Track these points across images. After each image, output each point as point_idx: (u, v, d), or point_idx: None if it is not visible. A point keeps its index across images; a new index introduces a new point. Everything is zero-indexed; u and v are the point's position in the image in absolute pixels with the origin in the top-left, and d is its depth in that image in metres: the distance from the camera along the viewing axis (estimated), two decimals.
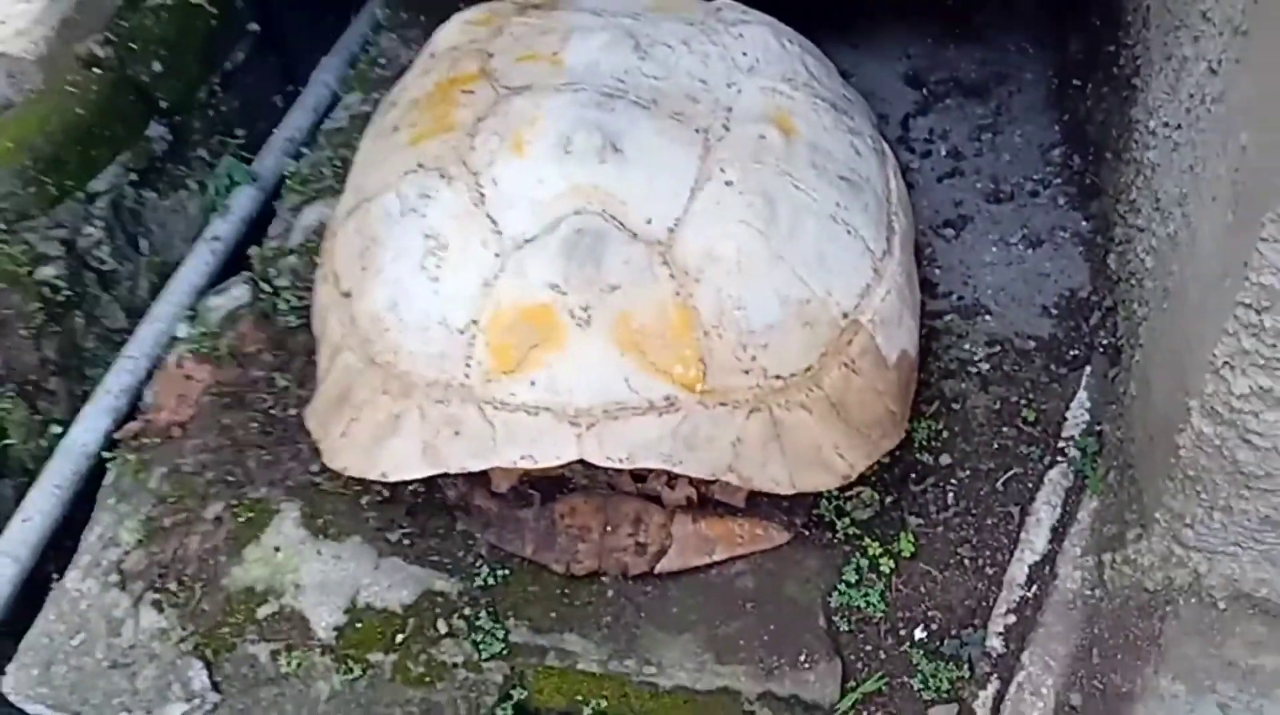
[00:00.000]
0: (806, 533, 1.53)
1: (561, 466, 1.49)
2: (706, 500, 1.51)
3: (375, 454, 1.40)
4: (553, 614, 1.47)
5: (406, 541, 1.55)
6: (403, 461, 1.38)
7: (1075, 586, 1.48)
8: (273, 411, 1.72)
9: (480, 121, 1.45)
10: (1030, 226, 1.85)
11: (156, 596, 1.53)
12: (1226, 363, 1.17)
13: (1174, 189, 1.41)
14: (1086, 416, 1.62)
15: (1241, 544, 1.36)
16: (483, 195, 1.40)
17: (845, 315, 1.41)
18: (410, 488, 1.60)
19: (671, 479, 1.50)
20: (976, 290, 1.78)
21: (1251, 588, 1.41)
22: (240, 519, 1.57)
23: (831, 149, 1.49)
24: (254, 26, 2.25)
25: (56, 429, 1.81)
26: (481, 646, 1.44)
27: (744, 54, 1.55)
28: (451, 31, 1.62)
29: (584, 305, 1.34)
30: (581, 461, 1.36)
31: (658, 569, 1.47)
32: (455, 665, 1.45)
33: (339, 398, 1.47)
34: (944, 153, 1.97)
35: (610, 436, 1.33)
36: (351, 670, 1.45)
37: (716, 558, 1.48)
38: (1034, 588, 1.49)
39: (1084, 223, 1.84)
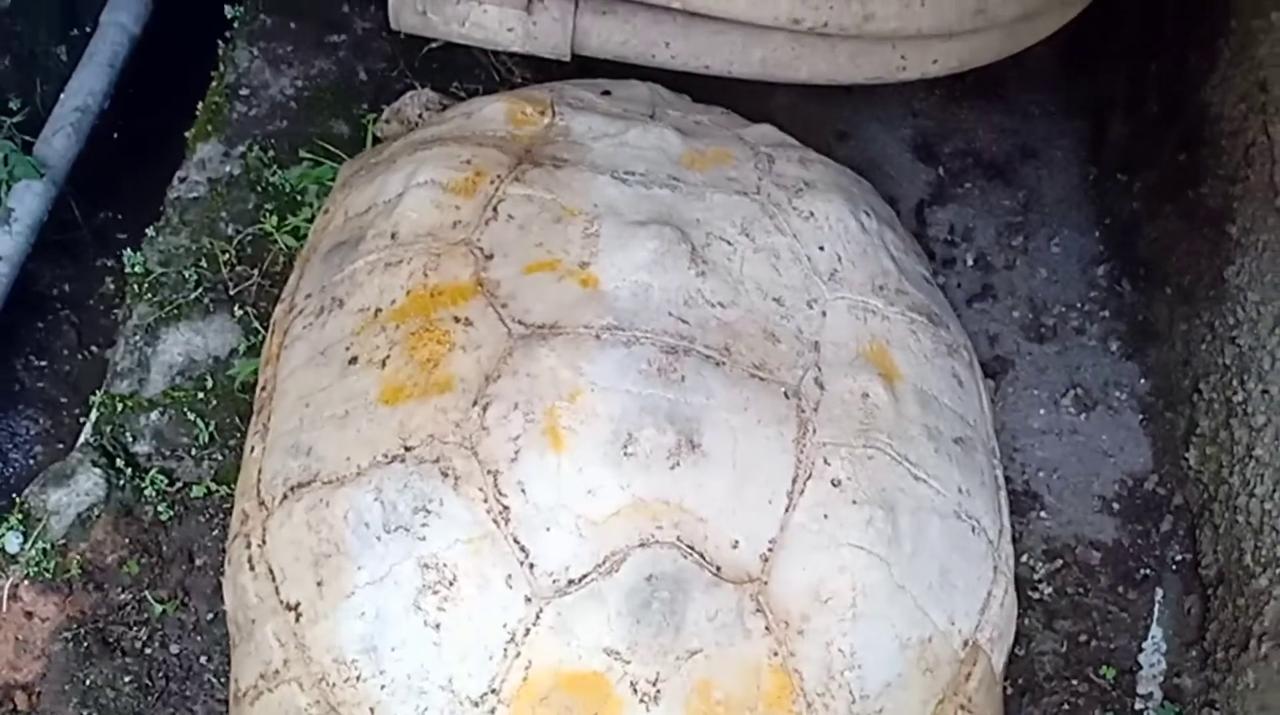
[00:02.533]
0: None
1: None
2: None
3: None
4: None
5: None
6: None
7: None
8: (148, 652, 1.25)
9: (490, 383, 0.98)
10: (1080, 381, 1.52)
11: None
12: None
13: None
14: (1163, 663, 1.36)
15: None
16: (506, 508, 0.95)
17: (966, 644, 1.06)
18: None
19: None
20: (1026, 471, 1.46)
21: None
22: None
23: (937, 393, 1.11)
24: None
25: None
26: None
27: (820, 249, 1.12)
28: (421, 202, 1.09)
29: (652, 678, 0.94)
30: None
31: None
32: None
33: None
34: (970, 262, 1.60)
35: None
36: None
37: None
38: None
39: (1141, 380, 1.53)
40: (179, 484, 1.32)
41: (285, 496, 1.03)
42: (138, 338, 1.41)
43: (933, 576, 1.03)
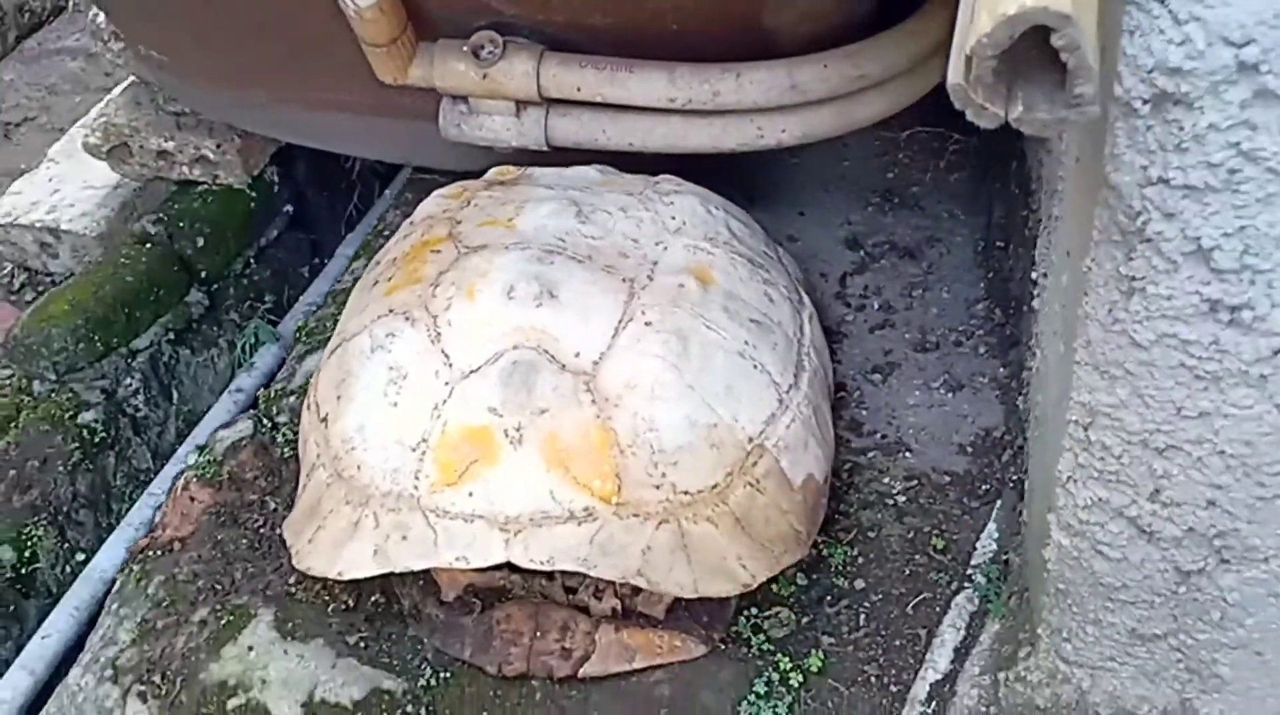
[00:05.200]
0: (723, 647, 1.57)
1: (500, 577, 1.58)
2: (630, 612, 1.57)
3: (334, 556, 1.49)
4: (484, 712, 1.53)
5: (362, 644, 1.62)
6: (356, 562, 1.47)
7: (972, 704, 1.51)
8: (261, 530, 1.82)
9: (442, 274, 1.59)
10: (953, 373, 1.94)
11: (142, 689, 1.61)
12: (1070, 477, 1.24)
13: (1045, 328, 1.51)
14: (994, 546, 1.67)
15: (1117, 658, 1.40)
16: (439, 335, 1.52)
17: (750, 440, 1.50)
18: (372, 599, 1.69)
19: (599, 590, 1.58)
20: (899, 430, 1.86)
21: (1133, 705, 1.44)
22: (222, 621, 1.66)
23: (745, 297, 1.61)
24: (288, 208, 2.47)
25: (80, 556, 1.95)
26: None
27: (673, 218, 1.69)
28: (429, 203, 1.79)
29: (517, 426, 1.45)
30: (512, 567, 1.44)
31: (581, 673, 1.53)
32: None
33: (310, 509, 1.58)
34: (876, 307, 2.08)
35: (535, 542, 1.41)
36: None
37: (636, 665, 1.54)
38: (934, 705, 1.53)
39: (1002, 369, 1.93)
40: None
41: (326, 359, 1.65)
42: (294, 361, 2.07)
43: (718, 387, 1.50)
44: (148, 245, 2.26)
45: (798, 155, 2.34)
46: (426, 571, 1.65)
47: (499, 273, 1.54)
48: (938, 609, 1.62)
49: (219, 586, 1.72)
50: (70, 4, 3.97)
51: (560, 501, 1.42)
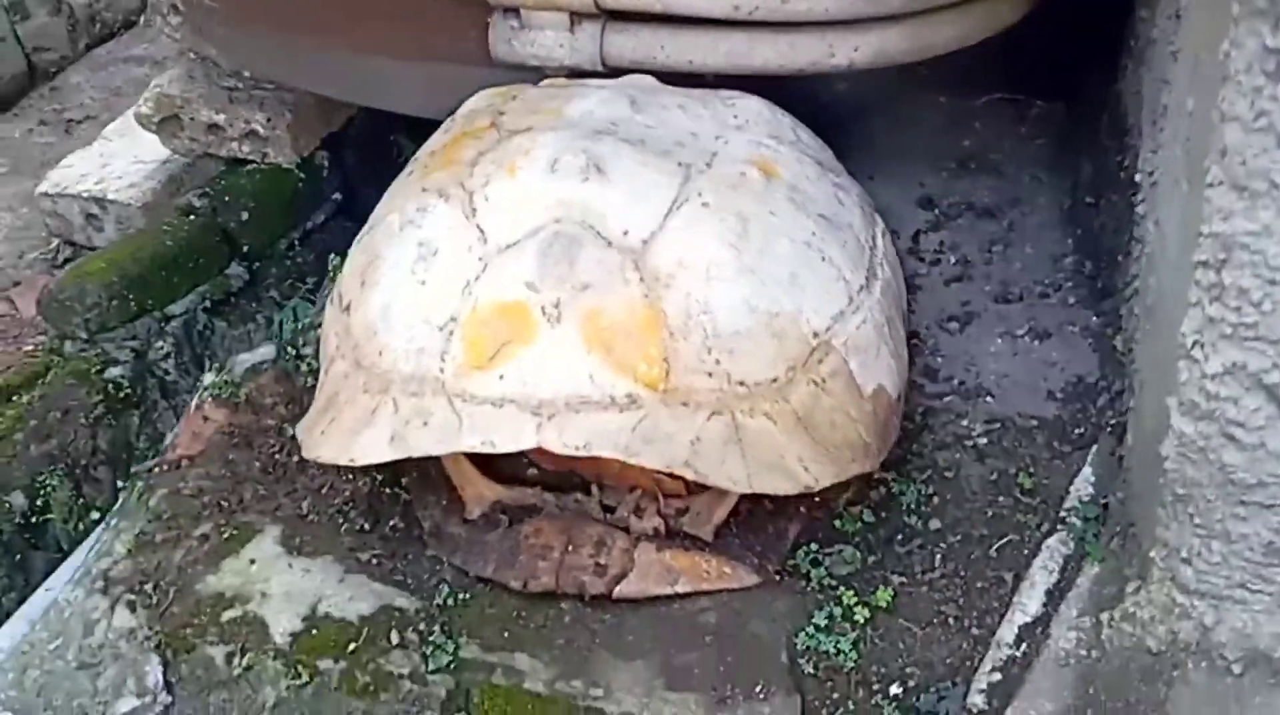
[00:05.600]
0: (778, 578, 1.39)
1: (531, 495, 1.43)
2: (675, 533, 1.39)
3: (348, 444, 1.33)
4: (506, 633, 1.34)
5: (375, 561, 1.45)
6: (371, 448, 1.31)
7: (1069, 646, 1.29)
8: (276, 456, 1.67)
9: (481, 155, 1.45)
10: (1039, 322, 1.75)
11: (132, 598, 1.45)
12: (1195, 341, 1.05)
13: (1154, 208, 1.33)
14: (1091, 490, 1.48)
15: (1249, 585, 1.18)
16: (474, 209, 1.38)
17: (816, 335, 1.33)
18: (390, 523, 1.53)
19: (640, 508, 1.40)
20: (979, 376, 1.68)
21: (1268, 646, 1.21)
22: (225, 535, 1.51)
23: (812, 194, 1.45)
24: (337, 196, 2.39)
25: (95, 515, 1.82)
26: (430, 659, 1.32)
27: (735, 116, 1.54)
28: (474, 100, 1.65)
29: (555, 302, 1.29)
30: (544, 484, 1.32)
31: (616, 592, 1.34)
32: (401, 676, 1.32)
33: (326, 403, 1.42)
34: (953, 261, 1.90)
35: (570, 426, 1.25)
36: (300, 676, 1.33)
37: (679, 589, 1.35)
38: (1023, 648, 1.32)
39: (1095, 318, 1.74)
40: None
41: (354, 246, 1.52)
42: (325, 299, 1.98)
43: (781, 274, 1.33)
44: (191, 217, 2.17)
45: (866, 122, 2.20)
46: (451, 489, 1.49)
47: (543, 149, 1.41)
48: (1025, 551, 1.42)
49: (225, 504, 1.57)
50: (142, 19, 4.01)
51: (600, 386, 1.26)
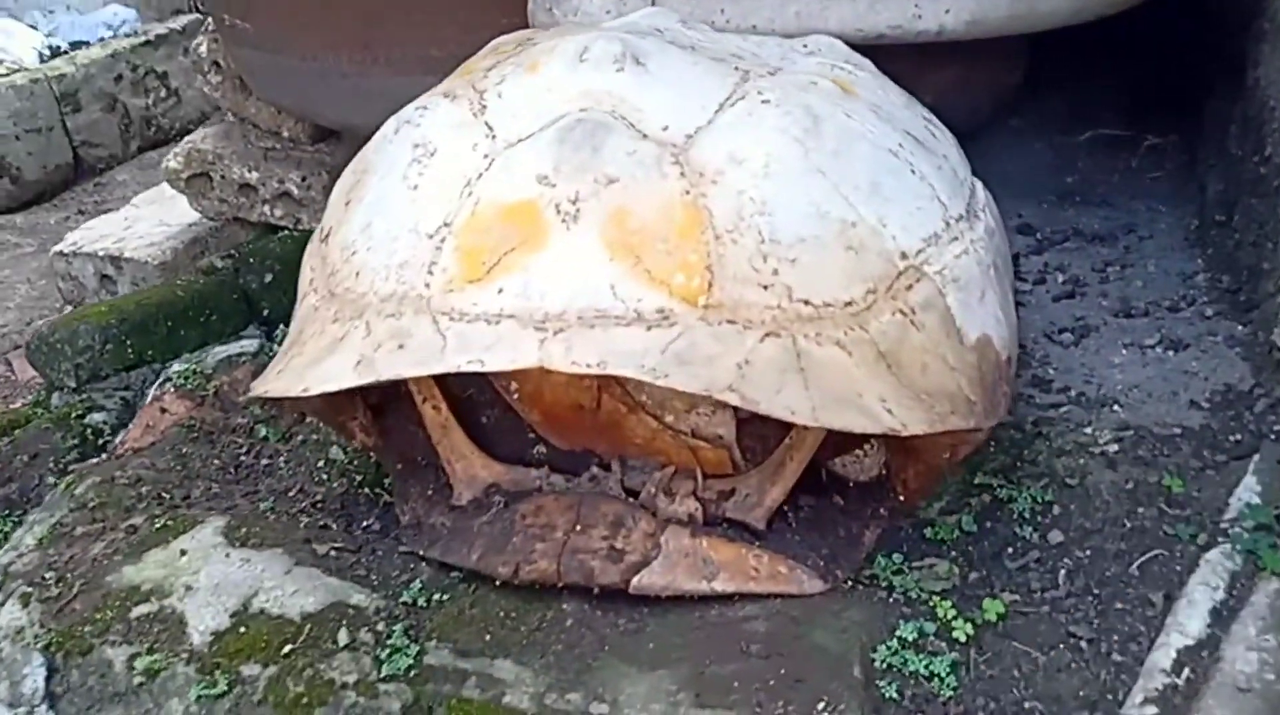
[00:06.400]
0: (849, 585, 1.06)
1: (536, 476, 1.14)
2: (716, 520, 1.08)
3: (304, 374, 1.05)
4: (487, 636, 1.01)
5: (333, 554, 1.14)
6: (331, 375, 1.02)
7: (1251, 670, 0.94)
8: (242, 457, 1.40)
9: (501, 62, 1.23)
10: (1172, 334, 1.44)
11: (28, 591, 1.15)
12: None
13: None
14: (1256, 498, 1.14)
15: None
16: (484, 107, 1.13)
17: (904, 256, 1.04)
18: (364, 524, 1.24)
19: (671, 488, 1.09)
20: (1101, 387, 1.36)
21: None
22: (156, 526, 1.22)
23: (899, 116, 1.19)
24: None
25: None
26: (385, 663, 0.99)
27: (804, 45, 1.31)
28: (503, 37, 1.44)
29: (573, 198, 1.02)
30: (551, 466, 1.06)
31: (634, 584, 1.01)
32: (344, 686, 0.99)
33: (289, 343, 1.15)
34: (1060, 280, 1.61)
35: (582, 342, 0.95)
36: (216, 684, 1.01)
37: (717, 587, 1.02)
38: (1185, 674, 0.96)
39: (1240, 328, 1.43)
40: None
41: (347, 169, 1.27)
42: None
43: (859, 181, 1.05)
44: (211, 276, 1.98)
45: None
46: (439, 476, 1.20)
47: (571, 44, 1.17)
48: (1178, 567, 1.07)
49: (166, 496, 1.29)
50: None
51: (624, 299, 0.98)
